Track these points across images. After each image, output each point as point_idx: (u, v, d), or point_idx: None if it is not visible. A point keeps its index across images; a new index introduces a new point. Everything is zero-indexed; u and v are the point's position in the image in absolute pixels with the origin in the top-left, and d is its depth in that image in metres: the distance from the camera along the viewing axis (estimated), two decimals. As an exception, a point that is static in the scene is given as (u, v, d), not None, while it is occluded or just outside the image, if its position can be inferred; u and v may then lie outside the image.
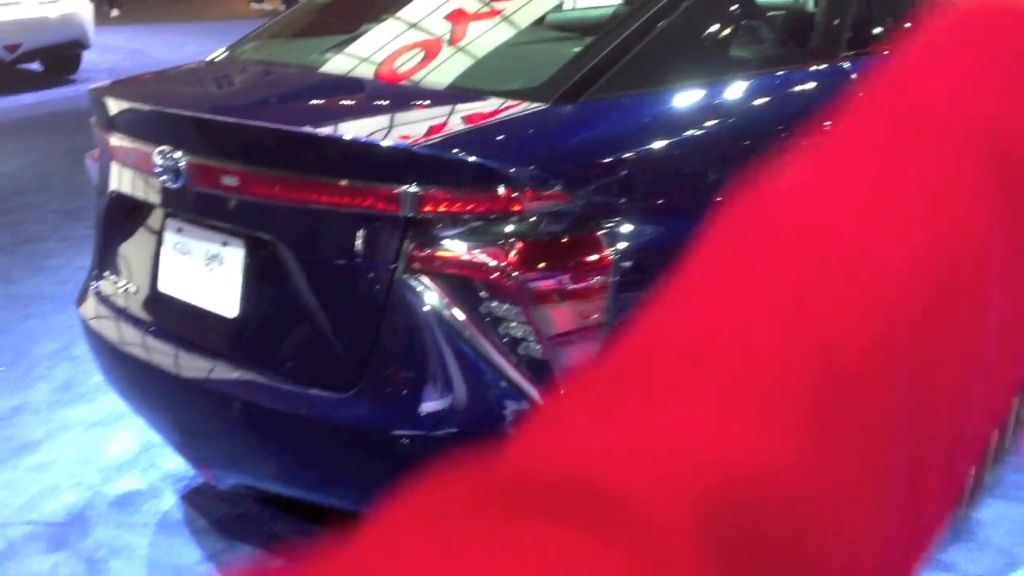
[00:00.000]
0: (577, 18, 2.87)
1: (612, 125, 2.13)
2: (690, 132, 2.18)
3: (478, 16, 2.65)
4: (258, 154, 2.18)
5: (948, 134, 0.37)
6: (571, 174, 2.01)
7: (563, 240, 1.98)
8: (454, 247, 1.96)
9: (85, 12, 9.99)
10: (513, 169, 1.96)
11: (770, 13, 2.94)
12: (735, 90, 2.29)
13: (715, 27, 2.43)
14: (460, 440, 2.02)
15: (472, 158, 1.97)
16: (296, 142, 2.14)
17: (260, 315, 2.23)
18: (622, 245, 2.00)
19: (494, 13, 2.65)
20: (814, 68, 2.45)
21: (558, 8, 2.77)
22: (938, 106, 0.38)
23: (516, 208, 1.95)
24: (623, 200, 2.05)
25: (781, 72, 2.42)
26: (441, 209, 1.97)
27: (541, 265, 1.96)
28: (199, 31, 12.24)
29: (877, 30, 2.59)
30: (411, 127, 2.11)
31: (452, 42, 2.52)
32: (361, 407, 2.05)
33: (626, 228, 2.03)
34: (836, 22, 2.50)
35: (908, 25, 0.41)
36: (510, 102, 2.17)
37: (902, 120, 0.38)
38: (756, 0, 2.73)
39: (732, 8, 2.49)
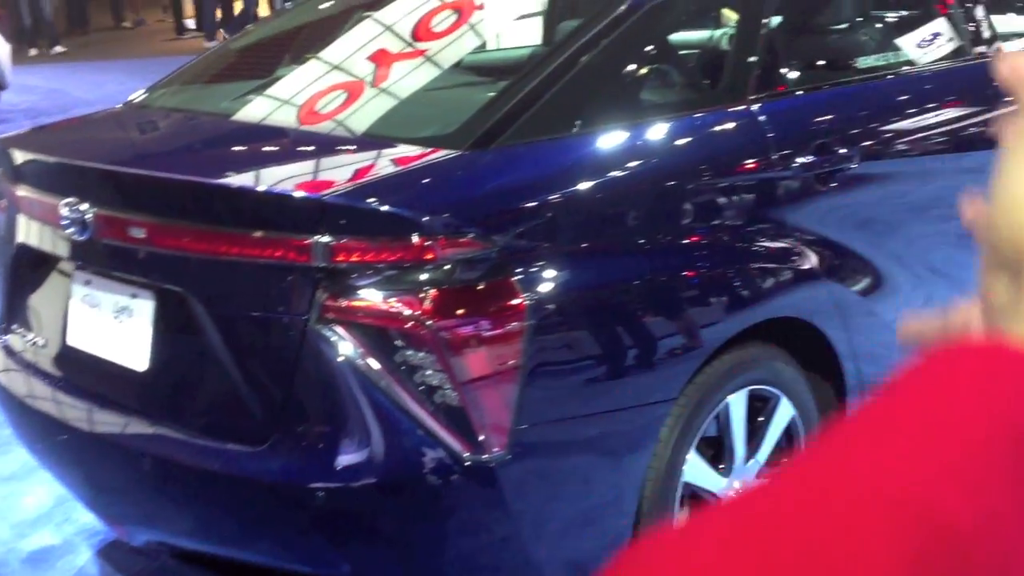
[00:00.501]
0: (496, 59, 2.88)
1: (525, 171, 2.14)
2: (604, 176, 2.19)
3: (393, 60, 2.64)
4: (166, 205, 2.15)
5: (876, 516, 0.35)
6: (485, 221, 2.01)
7: (478, 287, 1.98)
8: (368, 297, 1.95)
9: (2, 52, 9.80)
10: (426, 217, 1.96)
11: (684, 52, 2.98)
12: (647, 134, 2.31)
13: (628, 71, 2.46)
14: (378, 491, 1.99)
15: (384, 207, 1.96)
16: (205, 193, 2.11)
17: (171, 368, 2.19)
18: (537, 290, 2.01)
19: (411, 56, 2.65)
20: (725, 110, 2.48)
21: (477, 50, 2.77)
22: (874, 485, 0.36)
23: (430, 256, 1.95)
24: (537, 245, 2.06)
25: (693, 115, 2.45)
26: (354, 259, 1.95)
27: (456, 313, 1.95)
28: (120, 69, 12.07)
29: (784, 71, 2.63)
30: (323, 176, 2.10)
31: (366, 88, 2.51)
32: (275, 461, 2.02)
33: (541, 273, 2.03)
34: (747, 63, 2.54)
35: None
36: (423, 149, 2.17)
37: (832, 496, 0.36)
38: (670, 40, 2.76)
39: (645, 52, 2.52)
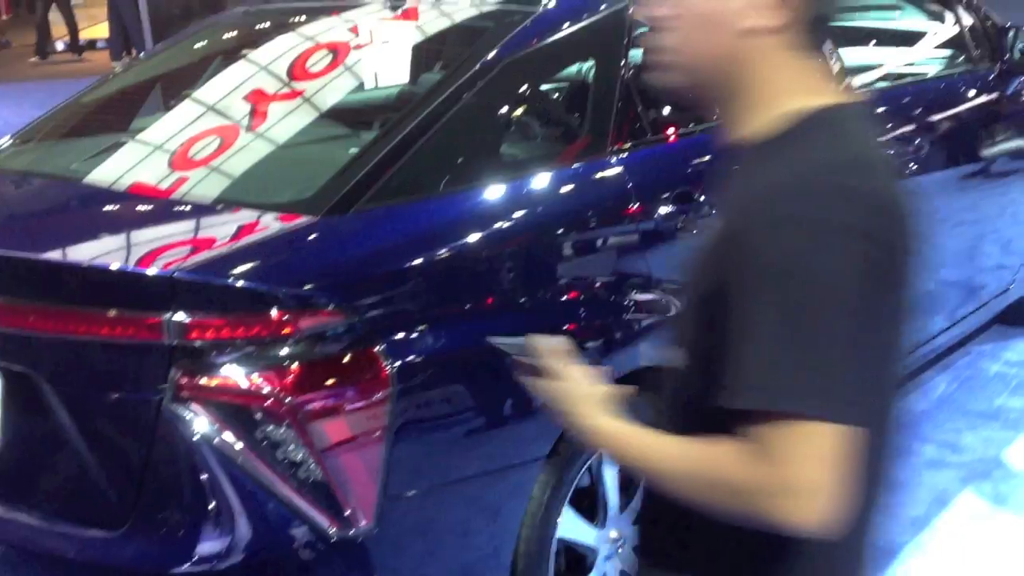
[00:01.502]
0: (357, 113, 2.80)
1: (384, 236, 2.10)
2: (465, 238, 2.17)
3: (252, 117, 2.58)
4: (10, 283, 2.06)
5: None
6: (344, 291, 1.97)
7: (339, 359, 1.94)
8: (225, 373, 1.89)
9: None
10: (283, 290, 1.91)
11: (544, 106, 2.96)
12: (508, 192, 2.29)
13: (487, 128, 2.44)
14: (243, 574, 1.93)
15: (240, 282, 1.91)
16: (51, 270, 2.03)
17: (22, 451, 2.10)
18: (401, 358, 1.98)
19: (270, 113, 2.59)
20: (587, 163, 2.49)
21: (339, 105, 2.69)
22: None
23: (288, 331, 1.90)
24: (400, 312, 2.03)
25: (555, 170, 2.44)
26: (208, 335, 1.89)
27: (317, 386, 1.91)
28: (-18, 96, 11.55)
29: (645, 120, 2.64)
30: (175, 249, 2.03)
31: (223, 148, 2.44)
32: (133, 546, 1.95)
33: (405, 341, 2.00)
34: (606, 115, 2.55)
35: None
36: (279, 216, 2.12)
37: None
38: (530, 95, 2.74)
39: (505, 108, 2.50)
